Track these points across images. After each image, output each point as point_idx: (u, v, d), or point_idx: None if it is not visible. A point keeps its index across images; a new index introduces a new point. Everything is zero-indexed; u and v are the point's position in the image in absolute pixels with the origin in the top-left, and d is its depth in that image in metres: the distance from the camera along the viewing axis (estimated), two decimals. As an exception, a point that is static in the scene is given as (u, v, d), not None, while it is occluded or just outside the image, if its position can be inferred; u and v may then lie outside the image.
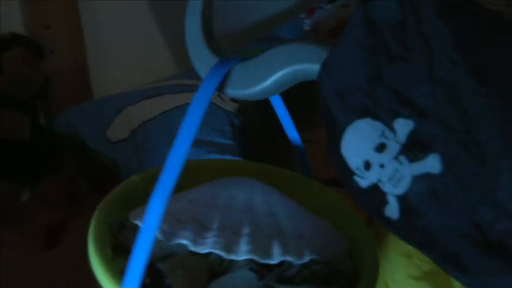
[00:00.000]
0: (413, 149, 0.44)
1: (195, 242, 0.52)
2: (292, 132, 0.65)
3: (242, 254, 0.51)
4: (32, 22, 1.18)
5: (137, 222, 0.54)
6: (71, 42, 1.21)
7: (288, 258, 0.52)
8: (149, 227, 0.46)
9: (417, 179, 0.44)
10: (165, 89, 1.16)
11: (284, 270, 0.53)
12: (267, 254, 0.51)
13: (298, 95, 0.62)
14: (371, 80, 0.46)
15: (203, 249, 0.51)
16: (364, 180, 0.47)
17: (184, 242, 0.52)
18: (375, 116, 0.45)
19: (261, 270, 0.53)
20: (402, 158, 0.44)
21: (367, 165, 0.46)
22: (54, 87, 1.14)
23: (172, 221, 0.54)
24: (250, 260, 0.52)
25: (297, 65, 0.51)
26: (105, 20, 1.29)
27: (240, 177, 0.60)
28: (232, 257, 0.51)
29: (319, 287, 0.52)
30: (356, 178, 0.47)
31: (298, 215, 0.57)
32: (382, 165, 0.46)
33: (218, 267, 0.54)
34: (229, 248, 0.51)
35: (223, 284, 0.52)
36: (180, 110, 1.08)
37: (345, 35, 0.47)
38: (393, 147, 0.45)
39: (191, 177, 0.56)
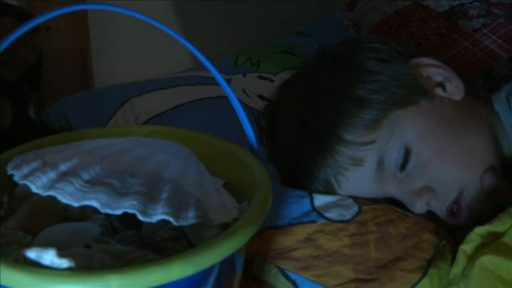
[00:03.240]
0: None
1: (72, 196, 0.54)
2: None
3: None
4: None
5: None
6: (72, 18, 1.06)
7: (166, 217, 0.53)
8: None
9: None
10: (182, 80, 0.97)
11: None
12: (145, 213, 0.53)
13: None
14: None
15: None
16: None
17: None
18: None
19: (111, 229, 0.56)
20: None
21: None
22: (47, 71, 1.01)
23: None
24: (107, 216, 0.56)
25: None
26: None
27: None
28: (108, 210, 0.52)
29: (147, 251, 0.53)
30: None
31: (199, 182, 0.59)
32: None
33: (72, 215, 0.57)
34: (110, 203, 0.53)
35: (57, 229, 0.54)
36: (199, 105, 0.90)
37: None
38: None
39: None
